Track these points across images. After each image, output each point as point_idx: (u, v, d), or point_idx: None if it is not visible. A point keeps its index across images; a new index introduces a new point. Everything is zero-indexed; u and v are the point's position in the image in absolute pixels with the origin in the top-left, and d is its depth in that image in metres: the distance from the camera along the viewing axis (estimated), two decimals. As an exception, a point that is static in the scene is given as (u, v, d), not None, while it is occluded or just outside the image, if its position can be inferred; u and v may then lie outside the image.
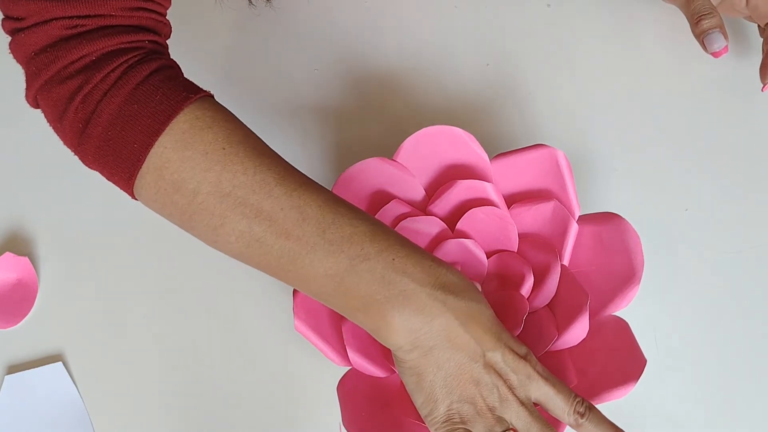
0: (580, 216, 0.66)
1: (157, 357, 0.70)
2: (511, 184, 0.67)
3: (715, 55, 0.74)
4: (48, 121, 0.58)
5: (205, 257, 0.70)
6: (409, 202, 0.67)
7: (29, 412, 0.69)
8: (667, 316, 0.70)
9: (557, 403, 0.56)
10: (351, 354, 0.62)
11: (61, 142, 0.58)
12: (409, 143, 0.67)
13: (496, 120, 0.77)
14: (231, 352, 0.70)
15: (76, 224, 0.74)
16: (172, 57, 0.60)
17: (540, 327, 0.63)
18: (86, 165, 0.58)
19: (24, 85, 0.58)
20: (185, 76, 0.59)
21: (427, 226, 0.66)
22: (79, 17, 0.55)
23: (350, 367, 0.63)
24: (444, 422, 0.55)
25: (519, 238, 0.67)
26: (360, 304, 0.55)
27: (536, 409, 0.56)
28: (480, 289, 0.58)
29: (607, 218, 0.65)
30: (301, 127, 0.76)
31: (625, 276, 0.63)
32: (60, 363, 0.70)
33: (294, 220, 0.54)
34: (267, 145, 0.57)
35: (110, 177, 0.57)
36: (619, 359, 0.61)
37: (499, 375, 0.55)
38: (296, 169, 0.57)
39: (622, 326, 0.62)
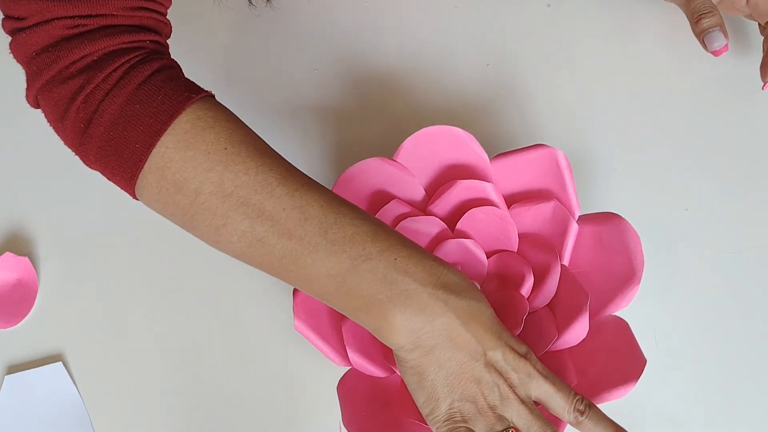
0: (580, 216, 0.66)
1: (158, 357, 0.70)
2: (511, 184, 0.67)
3: (716, 53, 0.74)
4: (48, 121, 0.58)
5: (205, 257, 0.70)
6: (409, 202, 0.67)
7: (29, 412, 0.69)
8: (667, 316, 0.70)
9: (557, 401, 0.56)
10: (351, 354, 0.62)
11: (62, 142, 0.58)
12: (409, 143, 0.67)
13: (496, 120, 0.77)
14: (231, 352, 0.70)
15: (76, 224, 0.74)
16: (172, 57, 0.60)
17: (540, 327, 0.63)
18: (87, 165, 0.58)
19: (24, 85, 0.58)
20: (185, 75, 0.59)
21: (427, 226, 0.66)
22: (80, 17, 0.54)
23: (350, 367, 0.63)
24: (445, 421, 0.55)
25: (519, 238, 0.67)
26: (362, 303, 0.55)
27: (536, 408, 0.56)
28: (479, 289, 0.58)
29: (607, 218, 0.65)
30: (301, 127, 0.76)
31: (625, 276, 0.63)
32: (60, 363, 0.70)
33: (296, 220, 0.54)
34: (268, 145, 0.57)
35: (111, 177, 0.57)
36: (619, 359, 0.61)
37: (500, 374, 0.56)
38: (298, 169, 0.57)
39: (622, 326, 0.62)
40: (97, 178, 0.59)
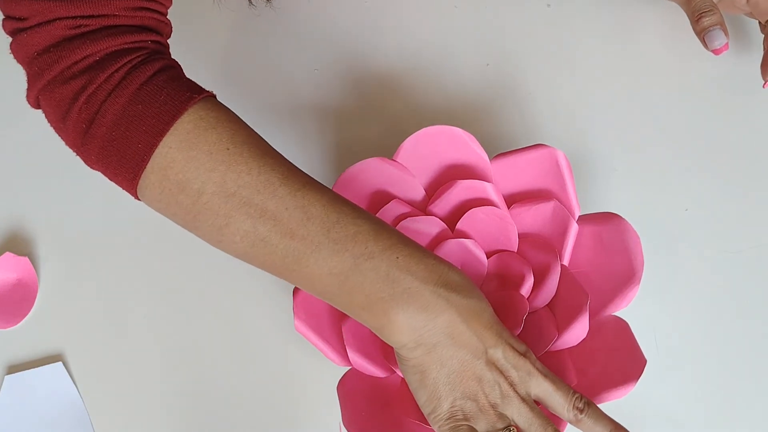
0: (580, 216, 0.66)
1: (158, 357, 0.70)
2: (511, 184, 0.67)
3: (716, 52, 0.74)
4: (50, 122, 0.58)
5: (205, 257, 0.70)
6: (409, 202, 0.67)
7: (29, 412, 0.69)
8: (667, 316, 0.70)
9: (557, 400, 0.56)
10: (351, 354, 0.62)
11: (62, 143, 0.58)
12: (409, 143, 0.67)
13: (496, 120, 0.77)
14: (231, 352, 0.70)
15: (76, 224, 0.74)
16: (173, 57, 0.60)
17: (540, 327, 0.63)
18: (89, 165, 0.58)
19: (24, 86, 0.58)
20: (186, 75, 0.59)
21: (427, 226, 0.66)
22: (82, 17, 0.55)
23: (350, 367, 0.63)
24: (447, 419, 0.55)
25: (519, 238, 0.67)
26: (364, 302, 0.55)
27: (537, 406, 0.56)
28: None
29: (607, 218, 0.65)
30: (301, 127, 0.76)
31: (625, 276, 0.63)
32: (60, 363, 0.70)
33: (298, 220, 0.55)
34: (270, 146, 0.57)
35: (113, 177, 0.57)
36: (619, 359, 0.61)
37: (501, 372, 0.56)
38: (299, 169, 0.57)
39: (622, 326, 0.62)
40: (97, 178, 0.59)
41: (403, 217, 0.66)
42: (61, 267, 0.73)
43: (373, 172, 0.67)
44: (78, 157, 0.58)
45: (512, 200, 0.67)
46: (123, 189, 0.58)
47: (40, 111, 0.59)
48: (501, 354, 0.56)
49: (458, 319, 0.55)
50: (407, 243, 0.56)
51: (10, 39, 0.57)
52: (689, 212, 0.74)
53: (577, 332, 0.61)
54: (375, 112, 0.77)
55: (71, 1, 0.54)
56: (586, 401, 0.56)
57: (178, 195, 0.55)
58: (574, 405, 0.56)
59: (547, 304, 0.64)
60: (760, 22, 0.75)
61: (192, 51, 0.78)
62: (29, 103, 0.58)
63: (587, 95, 0.78)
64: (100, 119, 0.55)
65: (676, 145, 0.76)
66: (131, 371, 0.70)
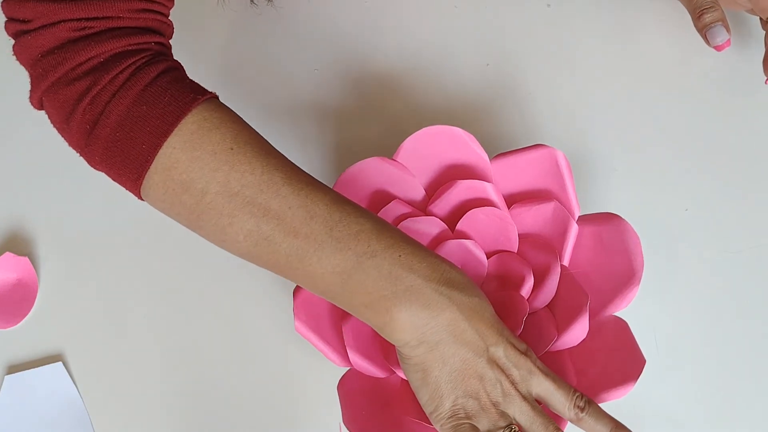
0: (580, 216, 0.66)
1: (158, 357, 0.70)
2: (511, 184, 0.67)
3: (718, 48, 0.74)
4: (53, 123, 0.58)
5: (205, 257, 0.71)
6: (409, 202, 0.67)
7: (29, 412, 0.69)
8: (667, 316, 0.71)
9: (558, 398, 0.57)
10: (351, 355, 0.62)
11: (62, 143, 0.58)
12: (409, 143, 0.67)
13: (496, 120, 0.77)
14: (231, 352, 0.70)
15: (76, 224, 0.74)
16: (174, 57, 0.60)
17: (540, 327, 0.63)
18: (92, 166, 0.58)
19: (25, 87, 0.58)
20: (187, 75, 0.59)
21: (428, 227, 0.66)
22: (87, 19, 0.55)
23: (350, 367, 0.63)
24: (449, 418, 0.56)
25: (519, 238, 0.67)
26: (367, 300, 0.55)
27: (538, 405, 0.56)
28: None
29: (607, 218, 0.65)
30: (301, 127, 0.76)
31: (625, 276, 0.63)
32: (60, 363, 0.70)
33: (302, 219, 0.55)
34: (272, 146, 0.58)
35: (117, 178, 0.57)
36: (618, 359, 0.61)
37: (502, 370, 0.56)
38: (302, 169, 0.58)
39: (622, 326, 0.62)
40: (97, 178, 0.59)
41: (404, 217, 0.66)
42: (61, 267, 0.73)
43: (373, 172, 0.67)
44: (81, 157, 0.58)
45: (512, 200, 0.67)
46: (126, 189, 0.58)
47: (40, 112, 0.59)
48: (502, 352, 0.56)
49: (460, 317, 0.55)
50: (409, 242, 0.57)
51: (12, 41, 0.58)
52: (689, 212, 0.74)
53: (577, 333, 0.61)
54: (375, 112, 0.77)
55: (75, 3, 0.54)
56: (587, 400, 0.57)
57: (181, 195, 0.56)
58: (575, 404, 0.56)
59: (547, 305, 0.64)
60: (761, 19, 0.75)
61: (192, 51, 0.78)
62: (32, 104, 0.59)
63: (587, 95, 0.78)
64: (105, 120, 0.55)
65: (676, 145, 0.76)
66: (131, 371, 0.70)
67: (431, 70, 0.79)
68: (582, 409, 0.56)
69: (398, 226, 0.65)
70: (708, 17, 0.73)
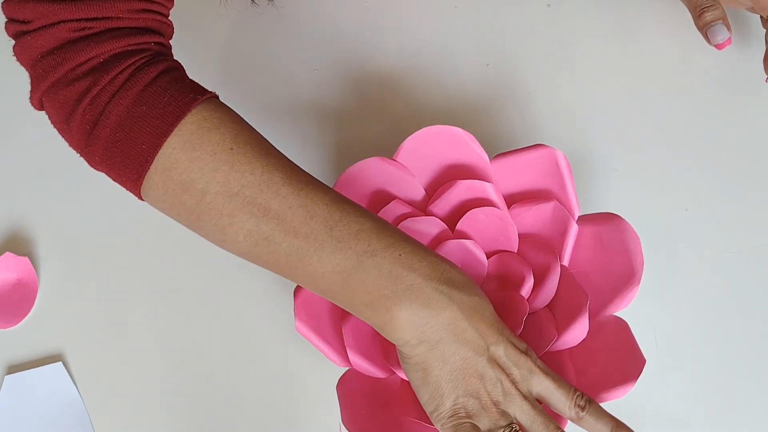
0: (579, 216, 0.66)
1: (158, 357, 0.70)
2: (511, 184, 0.67)
3: (719, 47, 0.74)
4: (53, 123, 0.58)
5: (205, 257, 0.71)
6: (409, 202, 0.67)
7: (29, 412, 0.69)
8: (667, 316, 0.71)
9: (558, 397, 0.57)
10: (351, 355, 0.62)
11: (62, 143, 0.58)
12: (409, 143, 0.67)
13: (496, 120, 0.77)
14: (231, 352, 0.70)
15: (76, 224, 0.74)
16: (174, 57, 0.60)
17: (540, 327, 0.63)
18: (92, 166, 0.58)
19: (25, 87, 0.58)
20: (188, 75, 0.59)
21: (428, 227, 0.66)
22: (86, 20, 0.55)
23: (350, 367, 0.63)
24: (450, 417, 0.56)
25: (519, 238, 0.67)
26: (367, 299, 0.55)
27: (539, 404, 0.56)
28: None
29: (607, 218, 0.65)
30: (301, 127, 0.76)
31: (625, 276, 0.63)
32: (60, 363, 0.70)
33: (302, 218, 0.55)
34: (272, 146, 0.58)
35: (117, 178, 0.57)
36: (618, 359, 0.61)
37: (502, 369, 0.56)
38: (302, 168, 0.58)
39: (622, 326, 0.62)
40: (97, 178, 0.59)
41: (404, 217, 0.66)
42: (61, 267, 0.73)
43: (373, 172, 0.67)
44: (81, 158, 0.58)
45: (512, 200, 0.67)
46: (127, 190, 0.58)
47: (40, 112, 0.59)
48: (503, 351, 0.56)
49: (460, 316, 0.55)
50: (409, 241, 0.57)
51: (12, 41, 0.58)
52: (689, 212, 0.74)
53: (577, 333, 0.61)
54: (375, 112, 0.77)
55: (75, 4, 0.54)
56: (588, 399, 0.57)
57: (181, 195, 0.56)
58: (575, 402, 0.56)
59: (546, 305, 0.64)
60: (761, 17, 0.75)
61: (192, 51, 0.78)
62: (32, 104, 0.59)
63: (587, 95, 0.78)
64: (104, 120, 0.55)
65: (676, 145, 0.76)
66: (131, 371, 0.70)
67: (431, 70, 0.79)
68: (582, 408, 0.56)
69: (398, 226, 0.65)
70: (709, 15, 0.73)
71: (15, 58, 0.58)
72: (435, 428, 0.58)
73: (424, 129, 0.67)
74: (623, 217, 0.65)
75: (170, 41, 0.61)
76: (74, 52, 0.55)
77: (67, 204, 0.74)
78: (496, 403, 0.56)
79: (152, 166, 0.55)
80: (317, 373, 0.69)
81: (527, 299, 0.64)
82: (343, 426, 0.60)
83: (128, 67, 0.55)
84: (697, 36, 0.76)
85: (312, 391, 0.69)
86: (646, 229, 0.67)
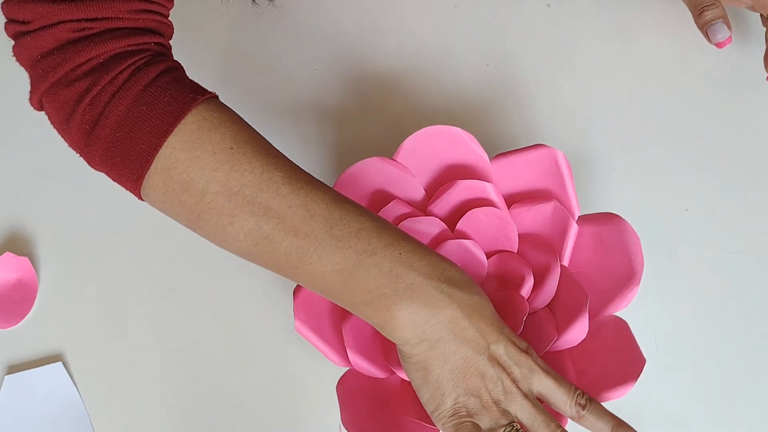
0: (579, 216, 0.66)
1: (158, 357, 0.70)
2: (511, 184, 0.67)
3: (719, 45, 0.74)
4: (53, 124, 0.58)
5: (205, 257, 0.71)
6: (409, 202, 0.67)
7: (29, 412, 0.69)
8: (667, 316, 0.70)
9: (559, 396, 0.57)
10: (351, 355, 0.62)
11: (62, 143, 0.58)
12: (409, 143, 0.67)
13: (496, 120, 0.77)
14: (231, 352, 0.70)
15: (76, 224, 0.74)
16: (174, 57, 0.60)
17: (540, 327, 0.63)
18: (92, 167, 0.58)
19: (25, 87, 0.58)
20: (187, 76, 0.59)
21: (428, 227, 0.66)
22: (86, 20, 0.55)
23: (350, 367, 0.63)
24: (451, 416, 0.56)
25: (519, 238, 0.67)
26: (367, 298, 0.55)
27: (539, 403, 0.56)
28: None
29: (607, 218, 0.65)
30: (301, 127, 0.76)
31: (625, 276, 0.63)
32: (60, 363, 0.70)
33: (302, 218, 0.55)
34: (272, 145, 0.58)
35: (117, 178, 0.57)
36: (618, 359, 0.61)
37: (503, 368, 0.56)
38: (301, 168, 0.58)
39: (622, 326, 0.62)
40: (97, 178, 0.59)
41: (404, 217, 0.66)
42: (61, 267, 0.73)
43: (373, 172, 0.67)
44: (81, 158, 0.58)
45: (512, 200, 0.67)
46: (127, 190, 0.58)
47: (40, 112, 0.59)
48: (503, 350, 0.56)
49: (461, 315, 0.55)
50: (409, 240, 0.57)
51: (11, 42, 0.58)
52: (689, 212, 0.74)
53: (577, 333, 0.61)
54: (375, 112, 0.77)
55: (75, 4, 0.54)
56: (588, 397, 0.57)
57: (181, 195, 0.56)
58: (576, 401, 0.57)
59: (546, 305, 0.64)
60: (761, 15, 0.74)
61: (192, 51, 0.78)
62: (32, 105, 0.59)
63: (587, 95, 0.78)
64: (104, 120, 0.55)
65: (676, 145, 0.76)
66: (131, 371, 0.70)
67: (431, 70, 0.79)
68: (583, 407, 0.56)
69: (398, 226, 0.65)
70: (709, 14, 0.74)
71: (15, 58, 0.58)
72: (435, 428, 0.58)
73: (424, 129, 0.67)
74: (623, 217, 0.65)
75: (170, 41, 0.61)
76: (74, 52, 0.55)
77: (67, 204, 0.74)
78: (497, 402, 0.56)
79: (152, 166, 0.55)
80: (317, 373, 0.69)
81: (527, 299, 0.64)
82: (342, 426, 0.60)
83: (128, 68, 0.55)
84: (697, 36, 0.76)
85: (312, 391, 0.69)
86: (646, 229, 0.67)
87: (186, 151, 0.55)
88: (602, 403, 0.58)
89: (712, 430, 0.68)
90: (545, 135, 0.76)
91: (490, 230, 0.66)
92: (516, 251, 0.67)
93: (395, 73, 0.78)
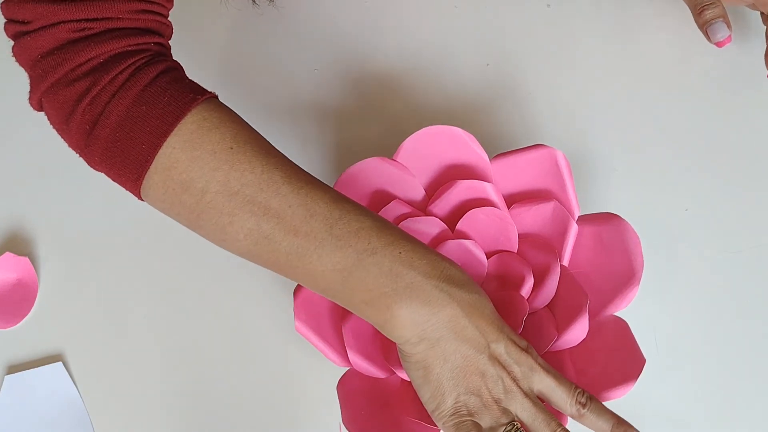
0: (579, 216, 0.66)
1: (158, 357, 0.70)
2: (511, 184, 0.67)
3: (719, 44, 0.74)
4: (53, 124, 0.58)
5: (205, 257, 0.71)
6: (409, 202, 0.67)
7: (29, 412, 0.69)
8: (667, 316, 0.71)
9: (559, 394, 0.57)
10: (351, 355, 0.62)
11: (62, 143, 0.58)
12: (409, 143, 0.67)
13: (496, 120, 0.77)
14: (231, 352, 0.70)
15: (76, 224, 0.74)
16: (174, 57, 0.60)
17: (540, 327, 0.63)
18: (92, 167, 0.58)
19: (25, 87, 0.58)
20: (187, 76, 0.59)
21: (428, 227, 0.66)
22: (86, 20, 0.55)
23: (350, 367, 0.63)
24: (452, 415, 0.56)
25: (519, 238, 0.67)
26: (367, 297, 0.55)
27: (540, 401, 0.56)
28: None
29: (607, 218, 0.65)
30: (301, 127, 0.76)
31: (625, 276, 0.63)
32: (60, 363, 0.70)
33: (302, 217, 0.55)
34: (272, 145, 0.58)
35: (117, 178, 0.58)
36: (618, 359, 0.61)
37: (503, 367, 0.56)
38: (301, 168, 0.58)
39: (622, 326, 0.62)
40: (97, 178, 0.59)
41: (404, 217, 0.66)
42: (61, 267, 0.73)
43: (373, 172, 0.67)
44: (81, 158, 0.58)
45: (512, 200, 0.67)
46: (126, 190, 0.58)
47: (40, 113, 0.59)
48: (503, 349, 0.56)
49: (460, 314, 0.55)
50: (409, 239, 0.57)
51: (11, 42, 0.58)
52: (689, 212, 0.74)
53: (577, 333, 0.61)
54: (375, 112, 0.77)
55: (75, 4, 0.54)
56: (589, 396, 0.57)
57: (181, 195, 0.56)
58: (576, 400, 0.57)
59: (547, 305, 0.64)
60: (761, 14, 0.74)
61: (192, 51, 0.78)
62: (32, 105, 0.59)
63: (587, 95, 0.78)
64: (104, 121, 0.55)
65: (676, 145, 0.76)
66: (131, 371, 0.70)
67: (431, 70, 0.79)
68: (583, 405, 0.57)
69: (398, 226, 0.65)
70: (709, 14, 0.74)
71: (14, 58, 0.58)
72: (436, 428, 0.58)
73: (424, 129, 0.67)
74: (623, 217, 0.65)
75: (170, 41, 0.61)
76: (74, 52, 0.55)
77: (67, 204, 0.74)
78: (497, 401, 0.56)
79: (152, 166, 0.55)
80: (317, 373, 0.69)
81: (527, 299, 0.64)
82: (343, 426, 0.60)
83: (128, 68, 0.55)
84: (697, 36, 0.76)
85: (312, 391, 0.69)
86: (646, 229, 0.67)
87: (186, 150, 0.55)
88: (603, 403, 0.59)
89: (712, 430, 0.68)
90: (545, 135, 0.76)
91: (490, 230, 0.66)
92: (516, 251, 0.67)
93: (395, 73, 0.78)
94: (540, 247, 0.65)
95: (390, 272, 0.55)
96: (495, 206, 0.66)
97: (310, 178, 0.57)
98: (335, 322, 0.64)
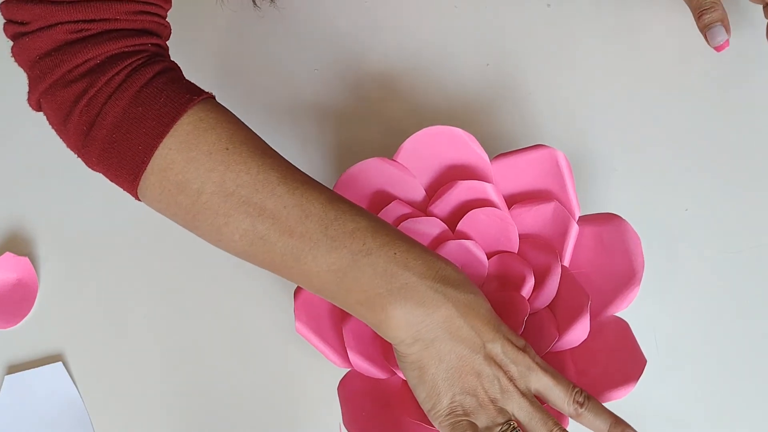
0: (580, 217, 0.66)
1: (158, 357, 0.70)
2: (511, 184, 0.67)
3: (717, 49, 0.74)
4: (51, 124, 0.58)
5: (206, 257, 0.71)
6: (410, 203, 0.67)
7: (29, 412, 0.69)
8: (667, 316, 0.70)
9: (557, 394, 0.57)
10: (352, 356, 0.62)
11: (62, 143, 0.59)
12: (409, 143, 0.67)
13: (496, 120, 0.77)
14: (231, 352, 0.70)
15: (76, 224, 0.74)
16: (172, 58, 0.60)
17: (541, 328, 0.63)
18: (90, 167, 0.58)
19: (25, 88, 0.58)
20: (185, 76, 0.59)
21: (428, 227, 0.66)
22: (84, 21, 0.55)
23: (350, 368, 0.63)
24: (447, 415, 0.56)
25: (519, 238, 0.67)
26: (362, 298, 0.55)
27: (537, 400, 0.56)
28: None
29: (608, 219, 0.65)
30: (301, 127, 0.76)
31: (626, 277, 0.63)
32: (60, 363, 0.70)
33: (297, 218, 0.55)
34: (269, 146, 0.58)
35: (114, 178, 0.58)
36: (619, 360, 0.61)
37: (500, 366, 0.56)
38: (298, 168, 0.58)
39: (623, 327, 0.62)
40: (97, 178, 0.59)
41: (404, 217, 0.66)
42: (61, 267, 0.73)
43: (373, 173, 0.67)
44: (79, 158, 0.58)
45: (512, 201, 0.67)
46: (124, 190, 0.58)
47: (40, 113, 0.59)
48: (500, 348, 0.56)
49: (456, 314, 0.55)
50: (405, 239, 0.57)
51: (11, 43, 0.58)
52: (689, 212, 0.74)
53: (578, 333, 0.61)
54: (375, 113, 0.77)
55: (73, 5, 0.54)
56: (586, 395, 0.57)
57: (177, 195, 0.56)
58: (574, 399, 0.57)
59: (547, 305, 0.64)
60: (764, 7, 0.74)
61: (191, 51, 0.78)
62: (30, 106, 0.59)
63: (587, 95, 0.78)
64: (101, 121, 0.55)
65: (676, 145, 0.76)
66: (131, 371, 0.70)
67: (431, 70, 0.78)
68: (581, 405, 0.57)
69: (398, 227, 0.65)
70: (708, 17, 0.74)
71: (13, 59, 0.58)
72: (436, 429, 0.58)
73: (424, 129, 0.67)
74: (623, 217, 0.65)
75: (168, 42, 0.61)
76: (71, 53, 0.55)
77: (67, 204, 0.74)
78: (493, 401, 0.56)
79: (148, 167, 0.56)
80: (317, 374, 0.69)
81: (528, 300, 0.64)
82: (343, 426, 0.60)
83: (125, 69, 0.55)
84: (696, 36, 0.76)
85: (312, 391, 0.69)
86: (646, 229, 0.67)
87: (182, 151, 0.55)
88: (603, 403, 0.59)
89: (712, 430, 0.68)
90: (545, 135, 0.76)
91: (491, 231, 0.66)
92: (516, 252, 0.67)
93: (395, 73, 0.78)
94: (541, 248, 0.65)
95: (385, 273, 0.55)
96: (495, 207, 0.66)
97: (306, 178, 0.57)
98: (335, 324, 0.64)
